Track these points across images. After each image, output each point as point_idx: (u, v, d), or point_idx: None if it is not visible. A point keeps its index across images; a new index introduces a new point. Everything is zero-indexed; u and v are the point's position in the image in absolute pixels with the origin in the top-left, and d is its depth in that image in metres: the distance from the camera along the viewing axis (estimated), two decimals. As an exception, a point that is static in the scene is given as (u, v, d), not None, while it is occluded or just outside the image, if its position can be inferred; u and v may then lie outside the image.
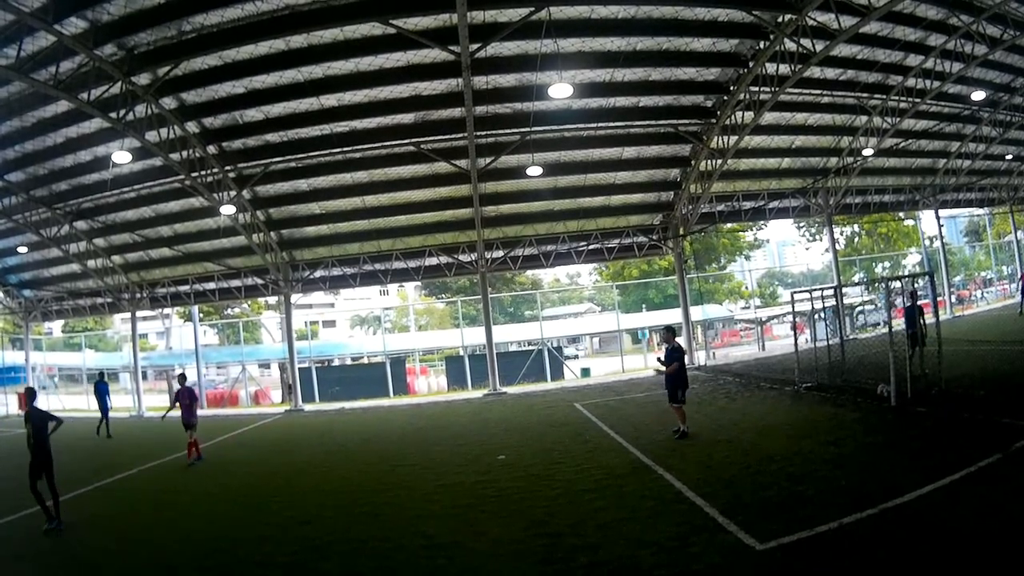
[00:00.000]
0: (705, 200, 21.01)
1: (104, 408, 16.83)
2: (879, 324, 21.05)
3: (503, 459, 9.48)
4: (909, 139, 21.40)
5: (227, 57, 13.24)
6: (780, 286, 53.45)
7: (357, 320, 56.50)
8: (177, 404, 11.91)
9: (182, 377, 12.85)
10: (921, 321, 11.52)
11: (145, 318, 36.50)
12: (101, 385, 17.28)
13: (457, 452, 10.57)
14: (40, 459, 7.48)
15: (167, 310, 36.24)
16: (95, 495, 8.95)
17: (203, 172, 16.62)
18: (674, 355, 9.76)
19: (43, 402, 26.03)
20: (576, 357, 39.12)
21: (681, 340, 17.35)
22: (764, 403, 12.28)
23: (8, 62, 11.60)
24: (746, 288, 45.37)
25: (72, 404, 26.33)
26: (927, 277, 12.47)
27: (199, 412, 12.37)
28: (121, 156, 14.44)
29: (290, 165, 17.80)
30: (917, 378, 10.17)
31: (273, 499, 8.37)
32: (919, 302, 12.37)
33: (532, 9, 12.21)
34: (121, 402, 23.16)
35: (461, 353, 29.00)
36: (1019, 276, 25.81)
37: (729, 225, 36.81)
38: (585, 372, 26.89)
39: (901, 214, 36.80)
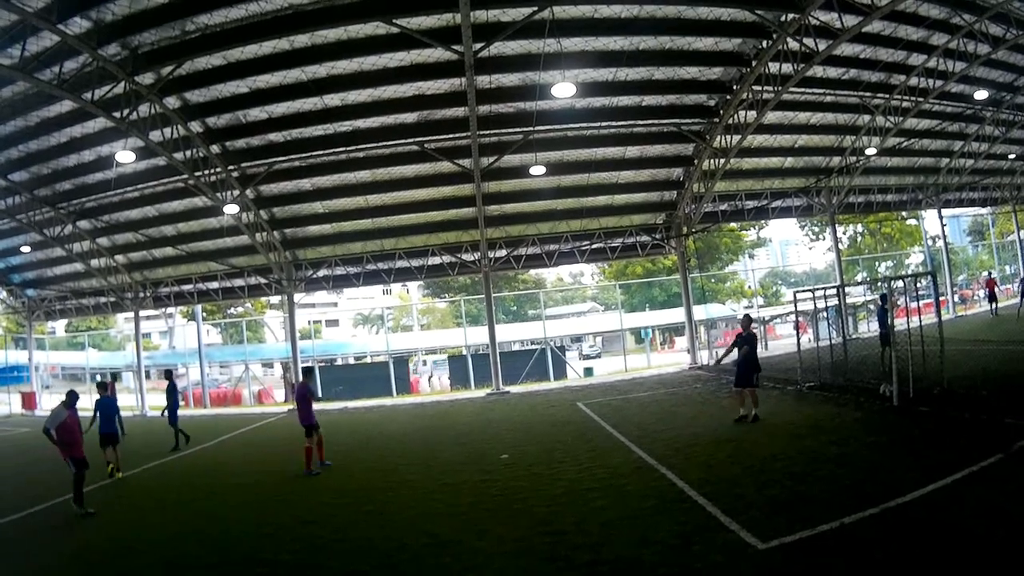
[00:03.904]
0: (708, 199, 20.96)
1: (173, 409, 13.72)
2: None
3: (506, 458, 9.49)
4: (912, 138, 21.34)
5: (231, 57, 13.27)
6: (783, 285, 53.36)
7: (360, 319, 56.53)
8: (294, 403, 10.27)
9: (307, 371, 11.15)
10: (889, 322, 11.86)
11: (148, 317, 36.59)
12: (171, 384, 14.30)
13: (460, 451, 10.60)
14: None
15: (170, 309, 36.36)
16: (98, 494, 8.99)
17: (206, 171, 16.66)
18: (746, 340, 10.42)
19: (51, 400, 26.26)
20: (598, 356, 39.83)
21: (680, 340, 17.34)
22: (767, 402, 12.22)
23: (12, 62, 11.63)
24: (749, 287, 45.28)
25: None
26: (929, 277, 12.53)
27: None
28: (124, 156, 14.58)
29: (293, 164, 17.83)
30: (888, 375, 10.26)
31: (276, 498, 8.41)
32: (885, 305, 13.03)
33: (535, 8, 12.22)
34: (124, 401, 23.19)
35: (464, 352, 29.05)
36: (1020, 277, 25.71)
37: (732, 224, 36.74)
38: (588, 372, 26.93)
39: (904, 213, 36.70)
